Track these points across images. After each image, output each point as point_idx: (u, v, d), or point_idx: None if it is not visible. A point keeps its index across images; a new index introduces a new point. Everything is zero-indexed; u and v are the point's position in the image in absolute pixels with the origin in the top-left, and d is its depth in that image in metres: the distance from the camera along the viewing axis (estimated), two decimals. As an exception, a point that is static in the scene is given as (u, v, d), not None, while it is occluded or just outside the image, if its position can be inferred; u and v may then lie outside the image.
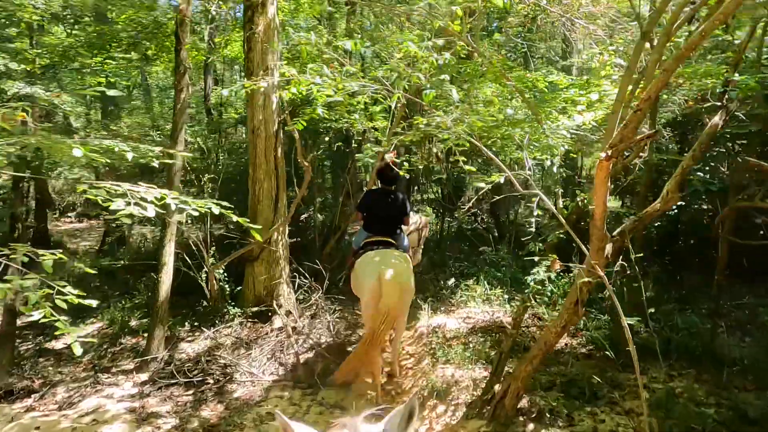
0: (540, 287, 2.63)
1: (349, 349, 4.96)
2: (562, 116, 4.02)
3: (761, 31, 3.55)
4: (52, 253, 2.11)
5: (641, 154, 3.70)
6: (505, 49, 8.01)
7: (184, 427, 3.99)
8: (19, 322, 6.68)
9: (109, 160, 2.70)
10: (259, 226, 4.02)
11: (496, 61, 4.22)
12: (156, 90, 14.73)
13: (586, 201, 3.26)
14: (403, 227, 4.63)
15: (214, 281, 5.37)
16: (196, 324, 5.58)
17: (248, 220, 2.57)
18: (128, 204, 2.18)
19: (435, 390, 3.97)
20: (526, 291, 5.78)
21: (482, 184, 3.04)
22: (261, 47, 5.38)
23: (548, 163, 3.34)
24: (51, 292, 2.03)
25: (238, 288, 5.72)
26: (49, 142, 2.53)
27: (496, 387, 3.40)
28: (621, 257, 3.09)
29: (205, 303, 5.62)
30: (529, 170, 3.21)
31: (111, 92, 3.46)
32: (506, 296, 5.66)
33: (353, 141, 6.36)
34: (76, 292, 2.07)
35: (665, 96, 4.58)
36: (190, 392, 4.52)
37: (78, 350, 1.89)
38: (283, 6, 6.84)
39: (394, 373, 4.58)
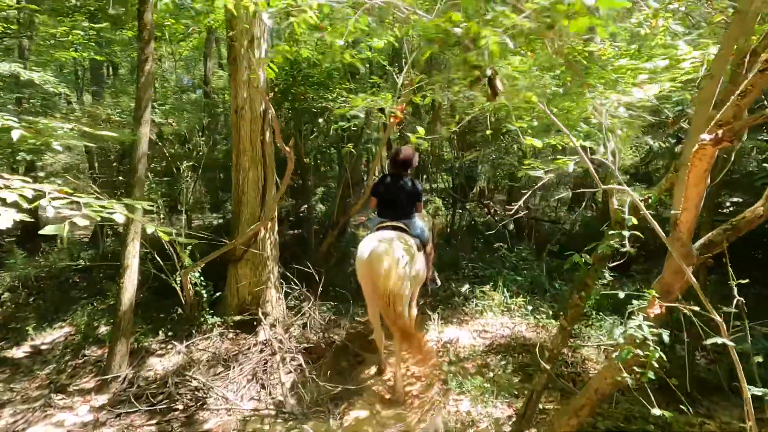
0: (636, 348, 1.80)
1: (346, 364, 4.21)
2: (609, 91, 3.18)
3: None
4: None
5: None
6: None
7: (139, 472, 3.27)
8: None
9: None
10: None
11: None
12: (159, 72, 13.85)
13: (651, 200, 2.44)
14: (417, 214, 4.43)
15: (189, 286, 4.61)
16: (170, 334, 4.84)
17: (172, 231, 1.80)
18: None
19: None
20: (552, 303, 5.00)
21: (539, 173, 2.26)
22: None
23: (602, 149, 2.51)
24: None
25: (219, 294, 4.96)
26: None
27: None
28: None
29: (180, 310, 4.88)
30: (611, 155, 2.41)
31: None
32: (529, 306, 4.86)
33: (354, 124, 5.53)
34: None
35: None
36: (154, 421, 3.79)
37: None
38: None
39: (396, 397, 3.82)
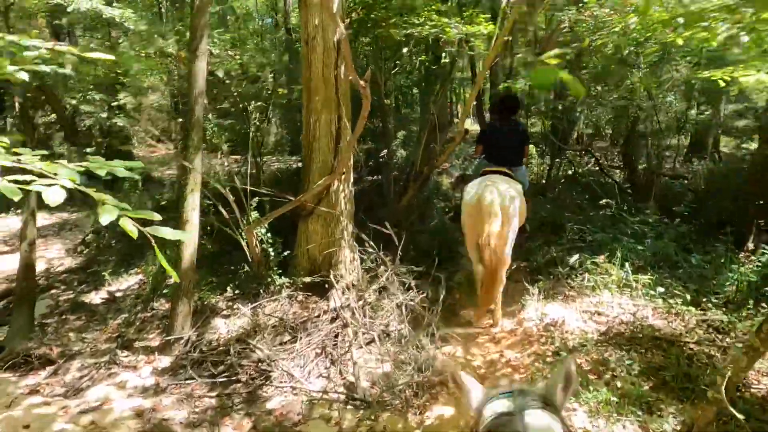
0: None
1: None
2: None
3: None
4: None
5: None
6: None
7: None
8: (62, 270, 6.11)
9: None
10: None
11: None
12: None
13: None
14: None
15: (255, 242, 4.14)
16: (237, 292, 4.47)
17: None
18: None
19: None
20: (686, 283, 3.93)
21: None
22: None
23: None
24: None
25: (288, 252, 4.45)
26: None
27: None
28: None
29: (247, 267, 4.46)
30: None
31: None
32: (659, 287, 3.89)
33: (444, 57, 4.62)
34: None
35: None
36: (214, 393, 3.44)
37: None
38: None
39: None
